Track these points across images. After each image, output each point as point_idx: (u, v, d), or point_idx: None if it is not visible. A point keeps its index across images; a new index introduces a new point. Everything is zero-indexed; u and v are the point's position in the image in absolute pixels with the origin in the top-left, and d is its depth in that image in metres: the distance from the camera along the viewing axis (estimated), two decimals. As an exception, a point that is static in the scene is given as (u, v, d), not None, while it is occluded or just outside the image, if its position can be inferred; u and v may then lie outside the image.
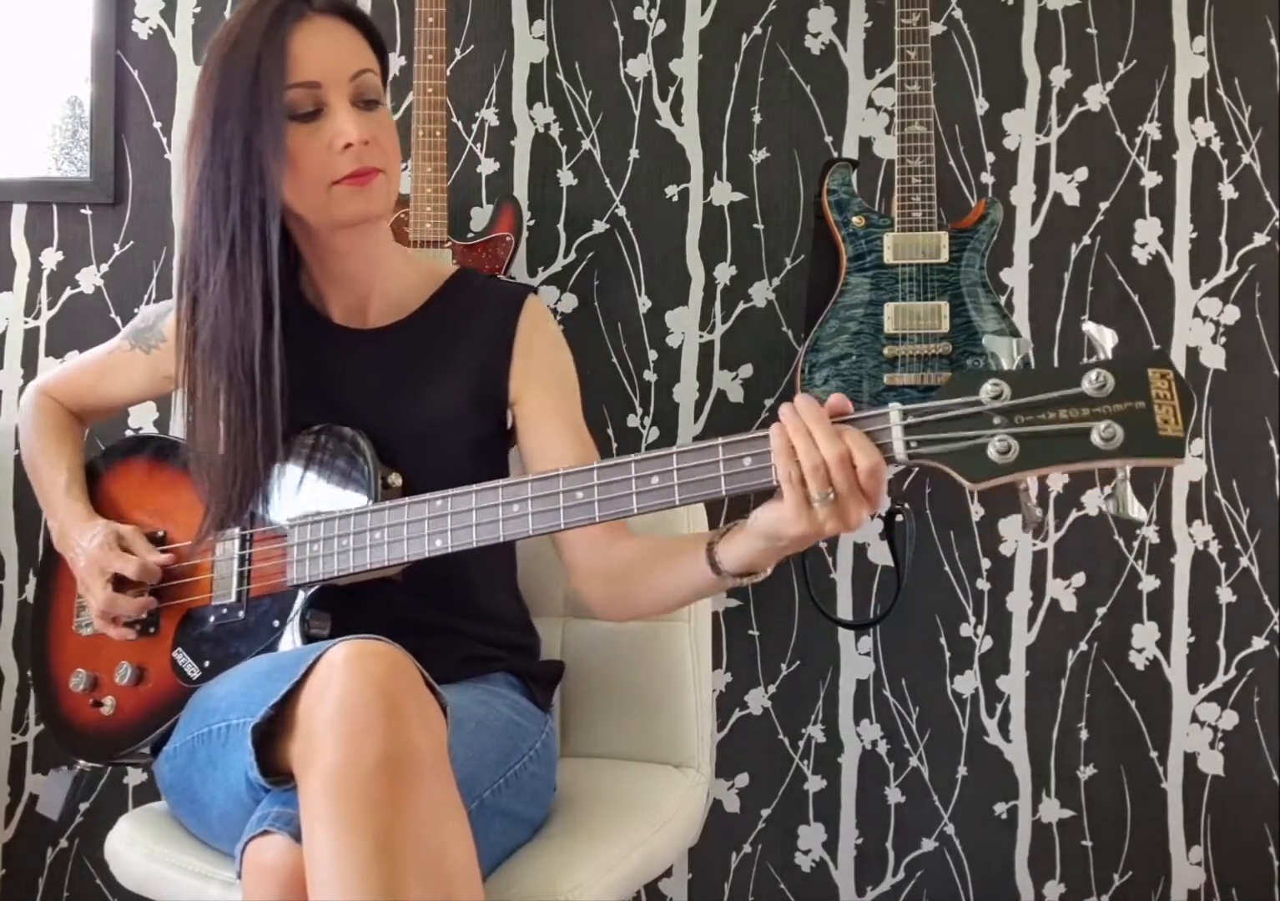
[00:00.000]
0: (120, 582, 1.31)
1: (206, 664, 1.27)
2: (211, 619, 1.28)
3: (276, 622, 1.23)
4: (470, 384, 1.33)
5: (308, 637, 1.22)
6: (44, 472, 1.43)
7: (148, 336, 1.42)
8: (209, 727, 1.15)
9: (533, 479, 1.11)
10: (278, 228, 1.21)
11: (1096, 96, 2.09)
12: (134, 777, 2.12)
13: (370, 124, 1.22)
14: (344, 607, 1.25)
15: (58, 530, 1.39)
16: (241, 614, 1.26)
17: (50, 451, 1.45)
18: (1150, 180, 2.08)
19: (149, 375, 1.44)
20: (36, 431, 1.47)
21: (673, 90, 2.12)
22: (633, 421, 2.11)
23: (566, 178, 2.13)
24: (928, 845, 2.10)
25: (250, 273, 1.21)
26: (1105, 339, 0.92)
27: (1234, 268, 2.07)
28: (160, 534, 1.36)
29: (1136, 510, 0.92)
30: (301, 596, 1.23)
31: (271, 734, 1.05)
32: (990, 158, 2.09)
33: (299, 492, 1.26)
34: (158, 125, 2.14)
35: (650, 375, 2.12)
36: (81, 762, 1.38)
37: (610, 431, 2.10)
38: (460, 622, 1.34)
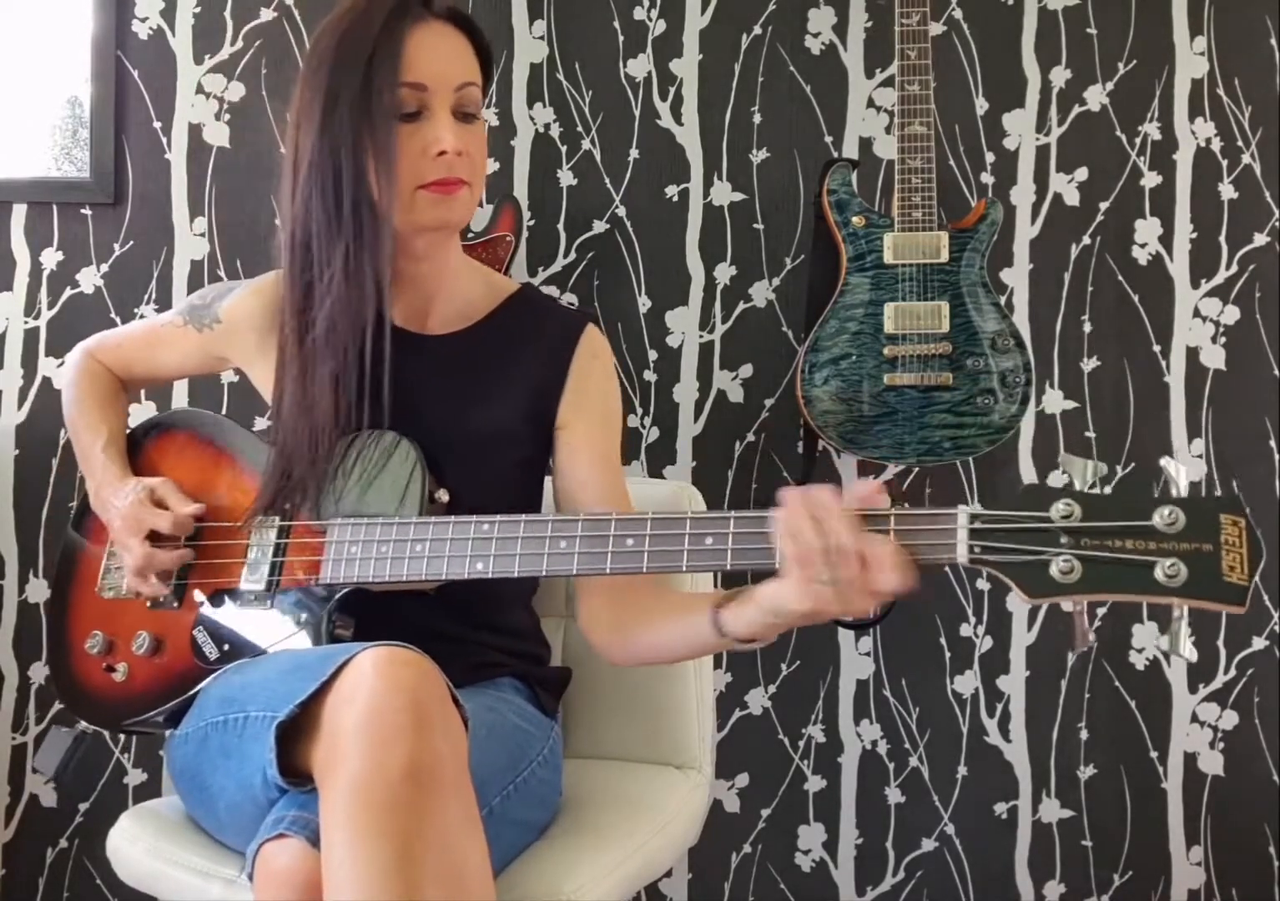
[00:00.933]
0: (155, 536, 1.30)
1: (226, 647, 1.25)
2: (237, 603, 1.27)
3: (302, 618, 1.22)
4: (524, 402, 1.34)
5: (332, 638, 1.21)
6: (84, 434, 1.42)
7: (203, 315, 1.41)
8: (225, 716, 1.14)
9: (585, 517, 1.10)
10: (393, 219, 1.22)
11: (1096, 96, 2.09)
12: (134, 777, 2.12)
13: (466, 136, 1.24)
14: (362, 607, 1.24)
15: (94, 489, 1.38)
16: (268, 603, 1.25)
17: (93, 414, 1.44)
18: (1150, 180, 2.08)
19: (198, 353, 1.43)
20: (80, 393, 1.46)
21: (673, 90, 2.12)
22: (633, 421, 2.11)
23: (566, 178, 2.13)
24: (928, 845, 2.10)
25: (364, 264, 1.22)
26: (1180, 476, 0.93)
27: (1234, 268, 2.07)
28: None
29: (1189, 651, 0.92)
30: (332, 597, 1.22)
31: (290, 732, 1.04)
32: (990, 158, 2.09)
33: (343, 492, 1.25)
34: (158, 125, 2.14)
35: (650, 375, 2.12)
36: (83, 724, 1.37)
37: (610, 431, 2.10)
38: (477, 634, 1.34)
